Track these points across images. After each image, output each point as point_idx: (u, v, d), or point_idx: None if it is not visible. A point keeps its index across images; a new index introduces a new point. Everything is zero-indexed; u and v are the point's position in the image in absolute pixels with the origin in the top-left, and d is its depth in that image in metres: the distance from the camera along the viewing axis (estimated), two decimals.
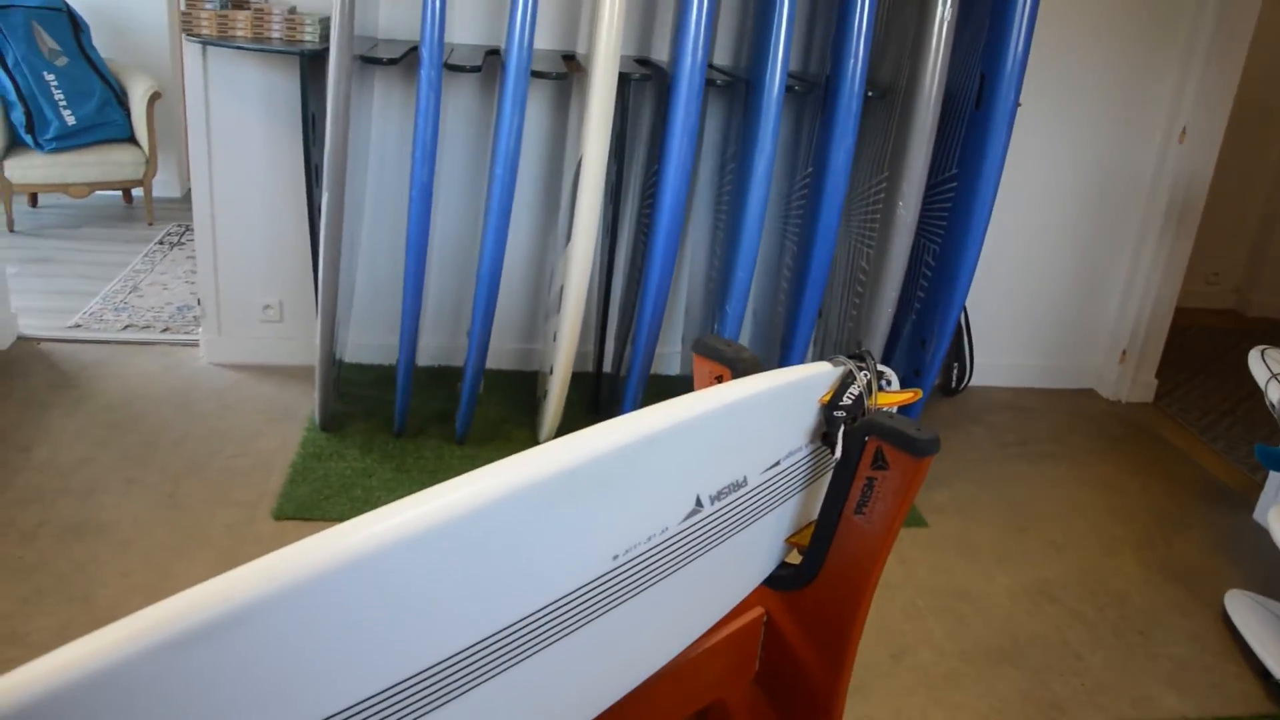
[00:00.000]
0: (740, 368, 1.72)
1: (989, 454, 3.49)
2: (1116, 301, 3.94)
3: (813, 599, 1.72)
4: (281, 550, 0.88)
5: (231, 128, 3.20)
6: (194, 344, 3.62)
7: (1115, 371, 3.99)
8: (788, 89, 2.59)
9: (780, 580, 1.76)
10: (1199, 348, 4.74)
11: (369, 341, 3.50)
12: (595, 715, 1.42)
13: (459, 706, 1.12)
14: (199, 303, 3.56)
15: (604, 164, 2.56)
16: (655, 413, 1.29)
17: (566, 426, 3.11)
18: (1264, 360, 2.66)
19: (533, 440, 3.11)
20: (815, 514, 1.76)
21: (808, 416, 1.60)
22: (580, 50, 3.15)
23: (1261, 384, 2.57)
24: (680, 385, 3.49)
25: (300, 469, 2.85)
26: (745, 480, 1.51)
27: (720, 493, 1.46)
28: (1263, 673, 2.46)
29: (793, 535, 1.74)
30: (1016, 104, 2.73)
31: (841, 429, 1.57)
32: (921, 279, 3.13)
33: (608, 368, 3.35)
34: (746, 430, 1.49)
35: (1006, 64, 2.67)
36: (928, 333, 3.15)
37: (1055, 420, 3.82)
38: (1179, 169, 3.67)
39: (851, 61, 2.57)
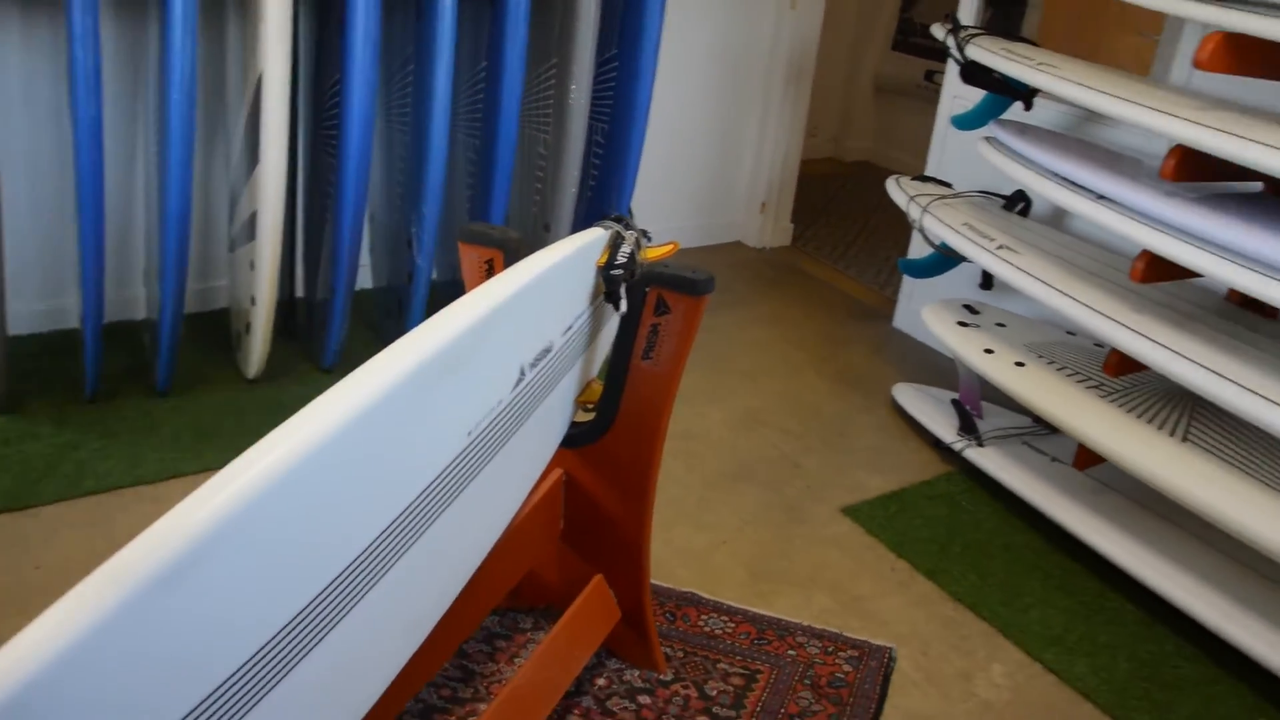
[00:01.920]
0: (511, 247, 1.81)
1: None
2: (751, 159, 4.35)
3: (610, 448, 1.88)
4: (196, 493, 0.89)
5: None
6: None
7: (758, 222, 4.43)
8: None
9: (575, 438, 1.90)
10: (816, 193, 5.33)
11: (20, 310, 3.17)
12: (455, 596, 1.50)
13: (367, 605, 1.17)
14: None
15: (287, 79, 2.48)
16: (487, 293, 1.38)
17: (274, 358, 3.03)
18: (900, 187, 3.10)
19: (239, 378, 3.00)
20: (594, 372, 1.91)
21: (588, 280, 1.73)
22: None
23: (904, 206, 3.00)
24: (373, 298, 3.47)
25: None
26: (551, 346, 1.62)
27: (535, 360, 1.57)
28: (935, 442, 2.94)
29: (579, 395, 1.88)
30: None
31: (623, 285, 1.72)
32: (594, 157, 3.30)
33: (300, 292, 3.27)
34: (548, 300, 1.59)
35: None
36: (607, 207, 3.34)
37: (718, 272, 4.19)
38: (793, 33, 4.09)
39: None
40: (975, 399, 2.95)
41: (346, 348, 2.99)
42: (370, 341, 3.20)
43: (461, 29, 3.03)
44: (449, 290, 3.28)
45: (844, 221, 4.98)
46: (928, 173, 3.50)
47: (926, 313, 2.95)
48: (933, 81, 5.58)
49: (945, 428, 2.91)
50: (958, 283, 3.34)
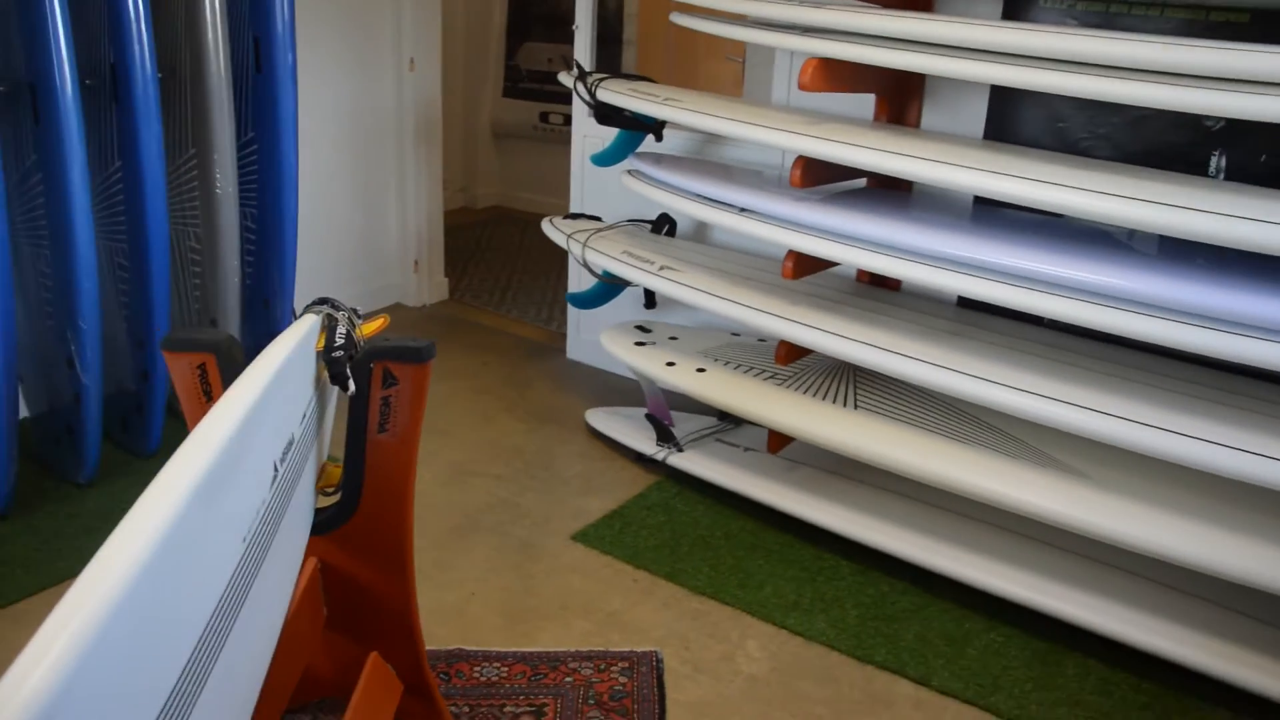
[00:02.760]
0: (224, 348, 1.78)
1: None
2: (396, 219, 4.38)
3: (361, 525, 1.88)
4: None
5: None
6: None
7: (414, 281, 4.47)
8: (80, 85, 2.48)
9: (324, 524, 1.89)
10: (460, 243, 5.43)
11: None
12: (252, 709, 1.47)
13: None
14: None
15: None
16: (238, 399, 1.37)
17: None
18: (556, 227, 3.27)
19: None
20: (324, 455, 1.91)
21: (311, 366, 1.74)
22: None
23: (564, 244, 3.18)
24: (32, 428, 3.16)
25: None
26: (294, 437, 1.63)
27: (284, 454, 1.57)
28: (637, 457, 3.13)
29: (318, 481, 1.87)
30: (294, 60, 2.93)
31: (348, 365, 1.74)
32: (247, 244, 3.22)
33: None
34: (286, 393, 1.60)
35: (277, 25, 2.86)
36: (269, 292, 3.27)
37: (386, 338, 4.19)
38: (416, 94, 4.18)
39: (137, 47, 2.55)
40: (664, 409, 3.17)
41: (17, 487, 2.72)
42: (41, 475, 2.92)
43: (86, 128, 2.87)
44: (118, 403, 3.06)
45: (493, 267, 5.13)
46: (572, 210, 3.71)
47: (605, 339, 3.14)
48: (548, 122, 5.88)
49: (644, 441, 3.11)
50: (622, 306, 3.56)
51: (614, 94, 2.91)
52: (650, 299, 3.48)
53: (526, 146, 6.12)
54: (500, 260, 5.28)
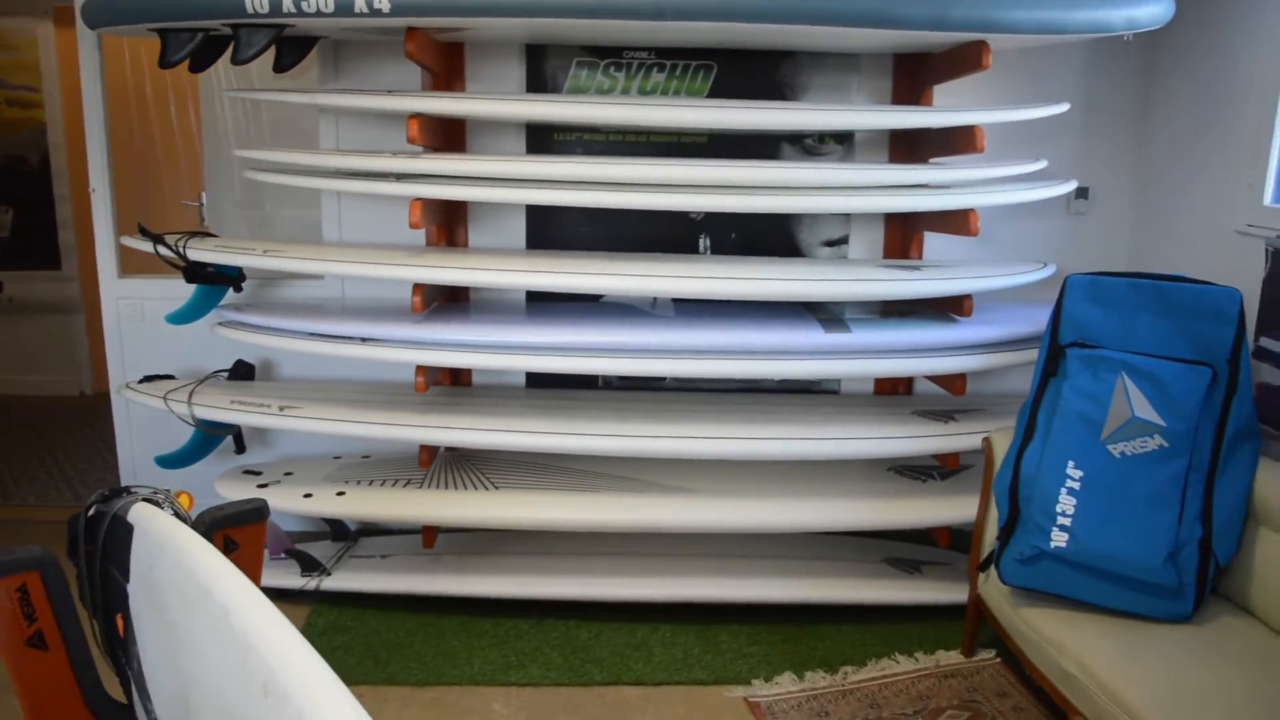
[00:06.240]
0: (48, 561, 1.78)
1: None
2: None
3: None
4: None
5: None
6: None
7: None
8: None
9: None
10: None
11: None
12: None
13: None
14: None
15: None
16: (256, 607, 1.49)
17: None
18: (142, 391, 3.22)
19: None
20: None
21: None
22: None
23: (163, 407, 3.16)
24: None
25: None
26: None
27: None
28: (281, 593, 3.22)
29: None
30: None
31: None
32: None
33: None
34: None
35: None
36: None
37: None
38: None
39: None
40: (289, 543, 3.29)
41: None
42: None
43: None
44: None
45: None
46: (117, 380, 3.57)
47: (221, 489, 3.18)
48: None
49: (286, 577, 3.19)
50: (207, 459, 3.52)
51: (205, 251, 3.02)
52: (240, 444, 3.54)
53: None
54: (12, 449, 4.72)
